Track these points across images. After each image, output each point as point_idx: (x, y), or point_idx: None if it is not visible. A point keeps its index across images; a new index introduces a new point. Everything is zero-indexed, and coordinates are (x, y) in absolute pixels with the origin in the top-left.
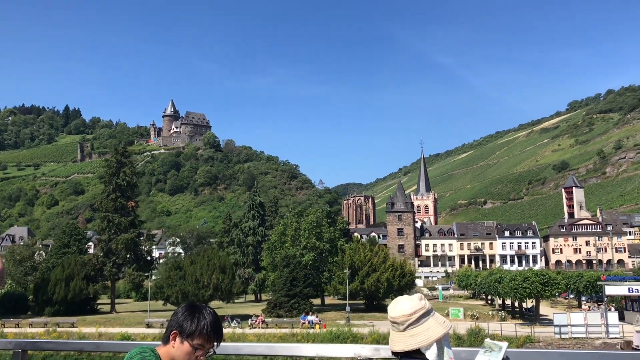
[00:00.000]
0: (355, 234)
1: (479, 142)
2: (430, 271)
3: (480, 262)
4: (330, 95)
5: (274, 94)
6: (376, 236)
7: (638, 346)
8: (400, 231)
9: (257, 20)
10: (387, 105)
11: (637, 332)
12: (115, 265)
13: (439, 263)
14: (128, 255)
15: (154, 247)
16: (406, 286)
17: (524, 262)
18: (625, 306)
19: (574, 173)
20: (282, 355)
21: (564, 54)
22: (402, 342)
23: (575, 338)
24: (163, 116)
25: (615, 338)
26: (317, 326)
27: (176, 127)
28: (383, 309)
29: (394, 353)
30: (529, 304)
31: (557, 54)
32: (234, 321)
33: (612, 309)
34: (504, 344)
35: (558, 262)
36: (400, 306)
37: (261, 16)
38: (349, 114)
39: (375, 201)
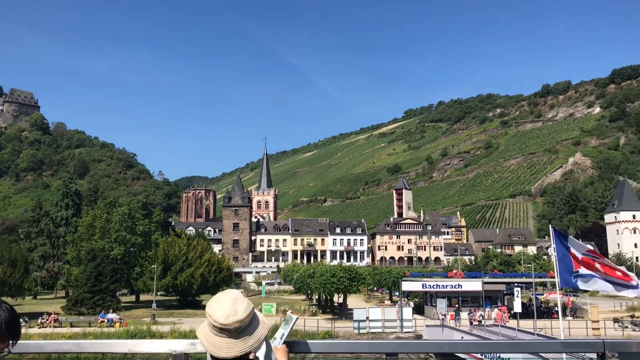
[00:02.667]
0: (190, 227)
1: (324, 142)
2: (264, 266)
3: (312, 258)
4: (178, 84)
5: (115, 78)
6: (212, 230)
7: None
8: (236, 226)
9: None
10: (238, 99)
11: (427, 326)
12: None
13: (273, 258)
14: None
15: None
16: (222, 282)
17: (352, 258)
18: (425, 301)
19: (405, 176)
20: (91, 352)
21: (403, 64)
22: (235, 347)
23: (372, 333)
24: None
25: (408, 332)
26: (117, 324)
27: None
28: (197, 306)
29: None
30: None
31: (397, 63)
32: (21, 319)
33: (411, 304)
34: (295, 316)
35: (383, 258)
36: (230, 311)
37: None
38: (197, 105)
39: (219, 195)
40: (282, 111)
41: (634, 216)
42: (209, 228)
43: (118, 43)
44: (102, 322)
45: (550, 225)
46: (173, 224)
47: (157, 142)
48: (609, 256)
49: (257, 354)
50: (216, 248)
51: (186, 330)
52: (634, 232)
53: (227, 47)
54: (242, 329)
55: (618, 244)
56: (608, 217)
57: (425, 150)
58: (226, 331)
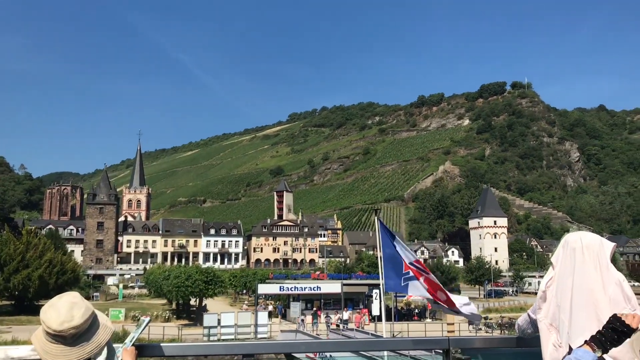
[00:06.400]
0: (50, 226)
1: (206, 141)
2: (130, 268)
3: (184, 260)
4: (52, 74)
5: None
6: (74, 229)
7: None
8: (100, 225)
9: None
10: (116, 93)
11: (282, 331)
12: None
13: (141, 260)
14: None
15: None
16: (66, 284)
17: (226, 260)
18: (288, 304)
19: (287, 179)
20: None
21: (289, 69)
22: (71, 355)
23: (224, 339)
24: None
25: (263, 338)
26: None
27: None
28: (34, 311)
29: None
30: (204, 302)
31: (283, 67)
32: None
33: (270, 307)
34: (147, 319)
35: (258, 260)
36: (66, 316)
37: None
38: (71, 98)
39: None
40: (164, 107)
41: (495, 222)
42: (72, 227)
43: None
44: None
45: (375, 218)
46: (30, 221)
47: (24, 134)
48: (471, 259)
49: None
50: (79, 248)
51: (7, 340)
52: (495, 237)
53: (106, 38)
54: (79, 335)
55: (480, 248)
56: (472, 223)
57: (307, 154)
58: (61, 338)
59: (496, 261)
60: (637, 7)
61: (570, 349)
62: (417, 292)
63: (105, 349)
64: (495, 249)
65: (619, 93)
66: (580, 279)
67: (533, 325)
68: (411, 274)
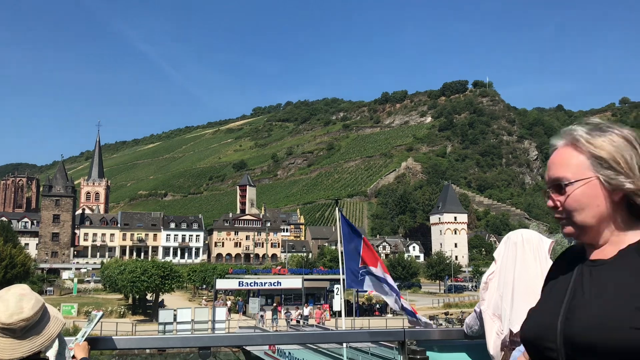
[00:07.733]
0: (3, 218)
1: (168, 134)
2: (87, 262)
3: (143, 254)
4: (6, 61)
5: None
6: (29, 222)
7: None
8: (56, 217)
9: None
10: (78, 84)
11: (240, 327)
12: None
13: (98, 254)
14: None
15: None
16: (16, 279)
17: (186, 254)
18: (247, 300)
19: (250, 173)
20: None
21: (254, 63)
22: (20, 348)
23: (180, 336)
24: None
25: (221, 335)
26: None
27: None
28: None
29: None
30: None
31: (249, 61)
32: None
33: (228, 303)
34: (100, 313)
35: (219, 255)
36: (15, 309)
37: None
38: (30, 86)
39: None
40: (125, 99)
41: (455, 218)
42: (26, 219)
43: None
44: None
45: (337, 209)
46: None
47: None
48: (432, 254)
49: (47, 354)
50: (34, 242)
51: None
52: (455, 233)
53: (65, 25)
54: (29, 328)
55: (441, 244)
56: (433, 218)
57: (271, 149)
58: (10, 331)
59: (456, 257)
60: (595, 10)
61: (511, 332)
62: (371, 287)
63: (57, 341)
64: (456, 245)
65: (577, 94)
66: (521, 269)
67: (480, 319)
68: (375, 270)
